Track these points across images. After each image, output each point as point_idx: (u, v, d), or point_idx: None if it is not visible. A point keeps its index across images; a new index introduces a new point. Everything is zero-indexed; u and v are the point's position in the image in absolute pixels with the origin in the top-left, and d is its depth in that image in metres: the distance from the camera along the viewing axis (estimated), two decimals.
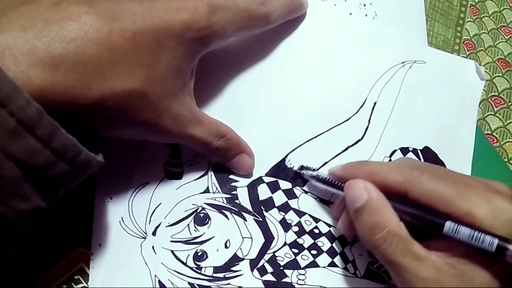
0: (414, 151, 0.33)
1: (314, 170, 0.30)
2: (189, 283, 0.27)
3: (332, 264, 0.30)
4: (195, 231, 0.28)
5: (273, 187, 0.30)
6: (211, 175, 0.29)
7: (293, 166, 0.30)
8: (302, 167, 0.30)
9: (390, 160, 0.33)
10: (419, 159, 0.33)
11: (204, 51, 0.25)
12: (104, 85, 0.20)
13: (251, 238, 0.28)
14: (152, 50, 0.21)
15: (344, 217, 0.28)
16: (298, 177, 0.30)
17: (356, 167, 0.27)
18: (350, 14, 0.35)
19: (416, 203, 0.24)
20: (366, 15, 0.35)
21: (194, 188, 0.28)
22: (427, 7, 0.38)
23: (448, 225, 0.22)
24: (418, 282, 0.23)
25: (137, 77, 0.21)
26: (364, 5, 0.36)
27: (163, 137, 0.25)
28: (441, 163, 0.34)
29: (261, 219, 0.29)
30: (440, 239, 0.23)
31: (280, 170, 0.30)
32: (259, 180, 0.30)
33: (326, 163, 0.31)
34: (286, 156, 0.31)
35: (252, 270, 0.28)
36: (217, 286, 0.27)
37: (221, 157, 0.28)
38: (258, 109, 0.30)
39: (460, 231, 0.22)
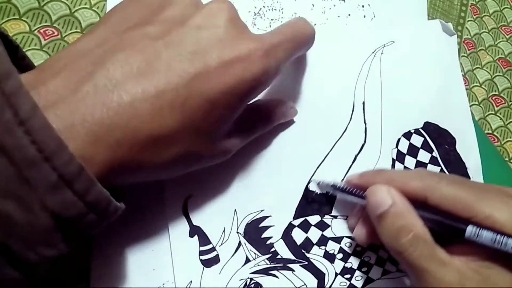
0: (416, 131, 0.33)
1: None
2: None
3: (385, 273, 0.30)
4: None
5: (305, 227, 0.30)
6: (245, 243, 0.29)
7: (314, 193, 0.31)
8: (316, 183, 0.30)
9: (397, 150, 0.33)
10: (423, 137, 0.33)
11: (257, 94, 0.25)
12: (156, 158, 0.20)
13: (305, 284, 0.29)
14: (204, 111, 0.21)
15: (362, 225, 0.28)
16: (322, 206, 0.31)
17: (373, 175, 0.28)
18: (349, 15, 0.34)
19: (436, 209, 0.24)
20: (364, 16, 0.35)
21: (235, 264, 0.28)
22: (427, 7, 0.38)
23: (470, 229, 0.23)
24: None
25: (188, 142, 0.21)
26: (363, 6, 0.35)
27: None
28: (445, 132, 0.34)
29: (306, 263, 0.29)
30: (461, 244, 0.24)
31: (304, 208, 0.30)
32: (290, 227, 0.30)
33: (342, 180, 0.31)
34: (304, 192, 0.30)
35: None
36: None
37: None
38: (263, 164, 0.30)
39: (482, 235, 0.22)
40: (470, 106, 0.37)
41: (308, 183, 0.31)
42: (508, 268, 0.23)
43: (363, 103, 0.33)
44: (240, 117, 0.24)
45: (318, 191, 0.31)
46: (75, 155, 0.17)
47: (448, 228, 0.24)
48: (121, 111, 0.19)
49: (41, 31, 0.30)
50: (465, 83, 0.37)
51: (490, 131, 0.38)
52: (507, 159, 0.38)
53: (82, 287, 0.25)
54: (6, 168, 0.16)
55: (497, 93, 0.39)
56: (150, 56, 0.20)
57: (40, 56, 0.29)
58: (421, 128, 0.34)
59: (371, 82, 0.33)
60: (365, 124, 0.33)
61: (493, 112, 0.39)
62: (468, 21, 0.40)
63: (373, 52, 0.34)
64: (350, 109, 0.32)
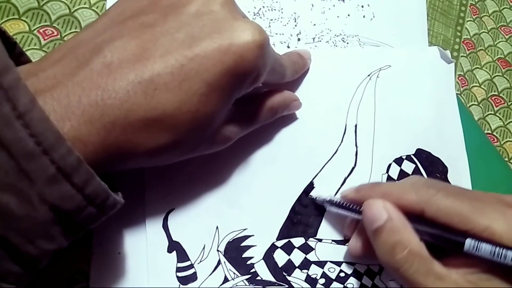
0: (408, 157, 0.33)
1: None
2: None
3: None
4: None
5: (288, 248, 0.29)
6: (224, 262, 0.28)
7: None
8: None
9: (388, 176, 0.32)
10: (414, 164, 0.33)
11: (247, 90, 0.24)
12: (151, 142, 0.20)
13: None
14: (200, 93, 0.21)
15: (357, 237, 0.28)
16: (307, 228, 0.30)
17: (369, 189, 0.27)
18: (349, 15, 0.35)
19: (433, 222, 0.24)
20: (363, 17, 0.35)
21: (213, 283, 0.27)
22: (427, 7, 0.38)
23: (469, 243, 0.22)
24: None
25: (185, 127, 0.21)
26: (362, 6, 0.35)
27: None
28: (437, 160, 0.34)
29: (287, 286, 0.29)
30: (458, 256, 0.23)
31: (289, 229, 0.30)
32: (273, 248, 0.29)
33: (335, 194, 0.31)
34: (289, 213, 0.30)
35: None
36: None
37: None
38: (248, 182, 0.29)
39: (481, 248, 0.22)
40: (470, 106, 0.36)
41: (294, 204, 0.30)
42: (507, 279, 0.22)
43: (355, 126, 0.32)
44: (242, 104, 0.24)
45: (306, 209, 0.30)
46: (71, 134, 0.18)
47: (446, 241, 0.23)
48: (115, 94, 0.19)
49: (41, 30, 0.30)
50: (464, 83, 0.37)
51: (489, 131, 0.38)
52: (506, 159, 0.37)
53: (82, 287, 0.24)
54: (5, 161, 0.16)
55: (496, 93, 0.39)
56: (147, 42, 0.20)
57: (39, 56, 0.29)
58: (413, 154, 0.33)
59: (365, 105, 0.33)
60: (356, 147, 0.32)
61: (492, 112, 0.38)
62: (468, 21, 0.40)
63: (368, 75, 0.33)
64: (342, 131, 0.32)
